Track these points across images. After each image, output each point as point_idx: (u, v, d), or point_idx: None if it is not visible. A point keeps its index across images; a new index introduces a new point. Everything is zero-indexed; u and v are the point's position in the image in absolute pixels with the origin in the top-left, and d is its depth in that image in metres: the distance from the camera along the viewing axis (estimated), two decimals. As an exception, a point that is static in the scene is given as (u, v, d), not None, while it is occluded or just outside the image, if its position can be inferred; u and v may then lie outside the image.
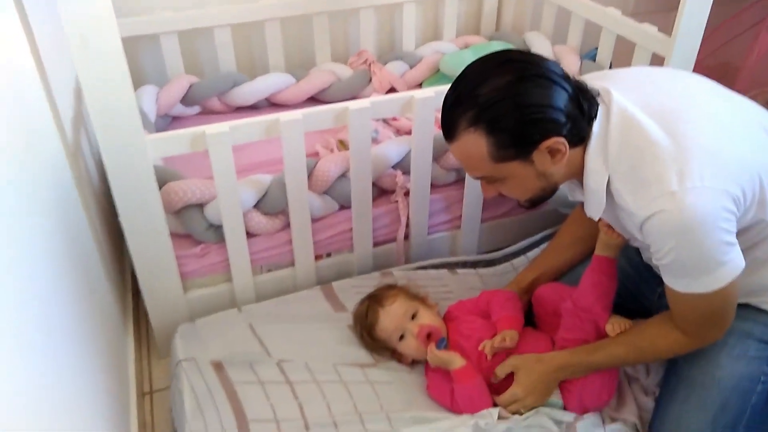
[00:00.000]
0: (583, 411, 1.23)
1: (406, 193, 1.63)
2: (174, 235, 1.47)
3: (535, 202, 1.12)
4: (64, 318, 0.95)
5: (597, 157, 1.02)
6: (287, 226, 1.55)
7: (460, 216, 1.72)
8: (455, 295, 1.55)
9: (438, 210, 1.70)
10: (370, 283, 1.55)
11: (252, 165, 1.68)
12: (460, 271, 1.66)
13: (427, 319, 1.33)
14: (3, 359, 0.64)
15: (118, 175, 1.26)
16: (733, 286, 1.00)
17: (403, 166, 1.63)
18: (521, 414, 1.21)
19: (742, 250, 1.05)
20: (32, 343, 0.76)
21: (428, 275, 1.62)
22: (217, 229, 1.49)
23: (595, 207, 1.06)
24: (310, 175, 1.52)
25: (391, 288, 1.42)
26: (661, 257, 0.99)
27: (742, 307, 1.15)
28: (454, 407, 1.25)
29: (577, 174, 1.06)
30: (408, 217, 1.65)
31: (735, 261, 0.98)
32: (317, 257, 1.63)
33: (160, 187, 1.41)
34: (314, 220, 1.57)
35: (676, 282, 1.01)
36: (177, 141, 1.30)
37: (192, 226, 1.48)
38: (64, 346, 0.91)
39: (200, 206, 1.47)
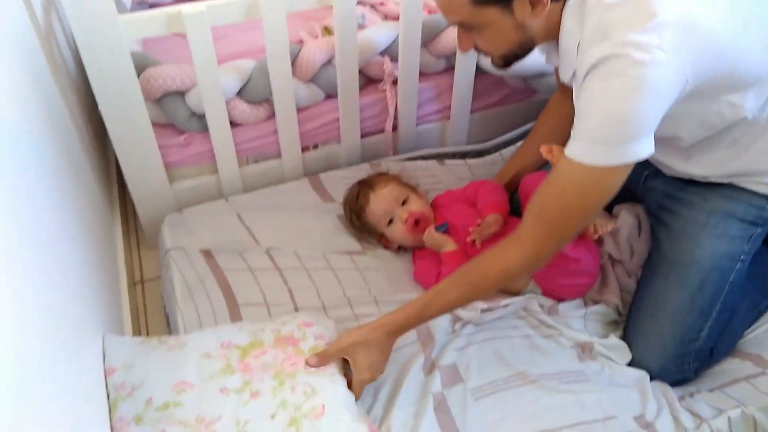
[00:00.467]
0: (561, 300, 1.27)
1: (395, 82, 1.59)
2: (156, 125, 1.44)
3: (508, 60, 1.07)
4: (49, 210, 0.93)
5: (573, 16, 0.98)
6: (272, 115, 1.51)
7: (450, 106, 1.69)
8: (444, 185, 1.55)
9: (427, 99, 1.66)
10: (358, 174, 1.54)
11: (234, 54, 1.61)
12: (449, 161, 1.65)
13: (417, 206, 1.34)
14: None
15: (93, 59, 1.22)
16: (615, 181, 0.94)
17: (390, 52, 1.57)
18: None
19: (717, 133, 1.05)
20: (21, 236, 0.74)
21: (417, 166, 1.61)
22: (200, 118, 1.45)
23: (566, 69, 1.02)
24: (294, 62, 1.47)
25: (383, 174, 1.43)
26: (586, 103, 0.92)
27: (726, 186, 1.16)
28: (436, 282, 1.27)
29: (554, 33, 1.02)
30: (396, 107, 1.62)
31: (642, 148, 0.91)
32: (304, 149, 1.61)
33: (139, 74, 1.36)
34: (300, 110, 1.53)
35: (573, 145, 0.94)
36: (152, 22, 1.24)
37: (174, 114, 1.44)
38: (52, 239, 0.90)
39: (181, 94, 1.43)
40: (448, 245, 1.28)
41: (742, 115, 1.02)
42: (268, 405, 0.97)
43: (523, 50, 1.05)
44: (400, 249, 1.40)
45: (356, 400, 1.03)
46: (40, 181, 0.93)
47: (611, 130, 0.90)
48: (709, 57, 0.91)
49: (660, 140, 0.95)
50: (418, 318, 1.07)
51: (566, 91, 1.29)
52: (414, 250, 1.38)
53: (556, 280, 1.25)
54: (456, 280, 1.07)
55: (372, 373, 1.05)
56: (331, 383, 1.01)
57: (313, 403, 0.97)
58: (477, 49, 1.07)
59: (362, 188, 1.38)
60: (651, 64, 0.85)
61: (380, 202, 1.34)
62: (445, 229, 1.32)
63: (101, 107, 1.30)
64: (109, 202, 1.59)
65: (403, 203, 1.34)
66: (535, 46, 1.05)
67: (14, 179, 0.79)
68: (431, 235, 1.30)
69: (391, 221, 1.34)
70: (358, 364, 1.03)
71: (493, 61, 1.09)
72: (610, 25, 0.89)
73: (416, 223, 1.31)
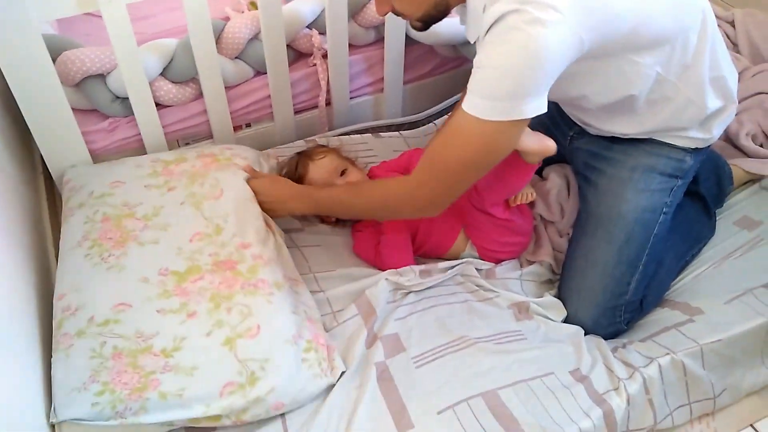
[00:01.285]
0: (497, 261, 1.29)
1: (324, 55, 1.57)
2: (78, 111, 1.39)
3: (426, 22, 1.07)
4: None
5: None
6: (200, 95, 1.48)
7: (383, 78, 1.68)
8: (380, 158, 1.55)
9: (359, 72, 1.65)
10: (293, 152, 1.52)
11: (159, 34, 1.56)
12: (384, 134, 1.65)
13: (355, 177, 1.34)
14: None
15: (2, 43, 1.15)
16: (502, 138, 0.97)
17: (318, 25, 1.55)
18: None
19: (634, 94, 1.07)
20: None
21: (352, 140, 1.60)
22: (124, 102, 1.40)
23: (474, 30, 1.02)
24: (219, 38, 1.43)
25: (322, 146, 1.43)
26: (483, 59, 0.93)
27: (647, 142, 1.19)
28: (378, 262, 1.28)
29: None
30: (328, 82, 1.60)
31: (533, 107, 0.93)
32: (236, 128, 1.58)
33: (55, 58, 1.31)
34: (229, 88, 1.50)
35: (470, 99, 0.95)
36: (62, 1, 1.18)
37: (96, 99, 1.39)
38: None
39: (102, 77, 1.38)
40: None
41: (645, 73, 1.05)
42: (204, 324, 1.02)
43: (438, 11, 1.05)
44: (338, 222, 1.39)
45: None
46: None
47: (503, 85, 0.92)
48: (605, 19, 0.93)
49: (572, 100, 0.97)
50: (327, 201, 1.23)
51: None
52: (353, 224, 1.38)
53: (491, 236, 1.27)
54: (353, 189, 1.21)
55: (268, 199, 1.24)
56: (268, 303, 1.06)
57: (248, 324, 1.02)
58: (395, 12, 1.06)
59: (301, 159, 1.38)
60: (548, 23, 0.86)
61: (319, 172, 1.34)
62: None
63: (16, 95, 1.24)
64: (35, 195, 1.53)
65: (342, 174, 1.34)
66: (451, 7, 1.05)
67: None
68: (355, 175, 1.30)
69: None
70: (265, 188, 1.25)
71: (411, 24, 1.09)
72: None
73: None
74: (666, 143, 1.18)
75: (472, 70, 0.95)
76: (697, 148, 1.20)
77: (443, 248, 1.31)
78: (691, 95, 1.10)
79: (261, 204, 1.24)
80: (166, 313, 1.03)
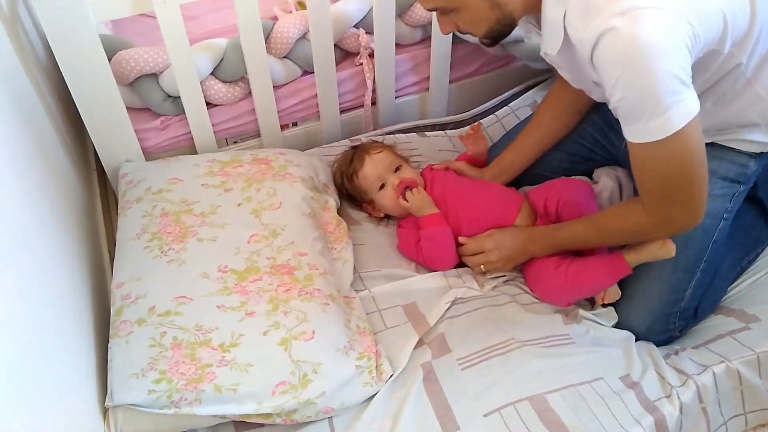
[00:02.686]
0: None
1: (371, 55, 1.57)
2: (132, 110, 1.42)
3: (495, 38, 1.05)
4: (23, 199, 0.92)
5: None
6: (249, 94, 1.50)
7: (428, 77, 1.67)
8: (425, 157, 1.55)
9: (405, 71, 1.65)
10: (339, 151, 1.53)
11: (207, 34, 1.59)
12: (429, 133, 1.64)
13: (409, 175, 1.35)
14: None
15: (60, 44, 1.19)
16: (690, 140, 0.92)
17: (365, 24, 1.55)
18: (482, 270, 1.24)
19: (707, 88, 1.04)
20: None
21: (397, 140, 1.60)
22: (176, 100, 1.43)
23: (552, 42, 1.00)
24: (268, 38, 1.45)
25: (377, 142, 1.45)
26: (612, 93, 0.90)
27: (709, 146, 1.15)
28: (419, 257, 1.28)
29: (535, 5, 1.00)
30: (374, 81, 1.60)
31: (688, 103, 0.89)
32: (283, 127, 1.59)
33: (110, 58, 1.34)
34: (277, 87, 1.51)
35: (628, 130, 0.94)
36: (119, 2, 1.20)
37: (149, 97, 1.42)
38: (26, 232, 0.88)
39: (155, 76, 1.41)
40: (428, 208, 1.28)
41: (726, 68, 1.01)
42: (261, 324, 1.04)
43: (503, 27, 1.02)
44: (385, 219, 1.40)
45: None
46: (10, 173, 0.91)
47: (647, 107, 0.88)
48: (705, 13, 0.89)
49: None
50: (552, 233, 1.19)
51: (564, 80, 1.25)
52: (399, 221, 1.38)
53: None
54: (586, 219, 1.16)
55: (499, 261, 1.22)
56: (323, 312, 1.08)
57: (304, 328, 1.04)
58: (460, 30, 1.05)
59: (357, 152, 1.39)
60: (637, 29, 0.83)
61: (375, 166, 1.34)
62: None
63: (73, 93, 1.27)
64: (89, 190, 1.57)
65: (396, 171, 1.35)
66: (517, 21, 1.02)
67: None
68: (419, 194, 1.29)
69: (382, 186, 1.34)
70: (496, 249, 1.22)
71: (480, 41, 1.07)
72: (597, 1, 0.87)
73: (406, 189, 1.31)
74: (729, 147, 1.14)
75: (610, 101, 0.92)
76: (761, 153, 1.15)
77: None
78: (761, 90, 1.06)
79: (494, 263, 1.23)
80: (226, 310, 1.05)
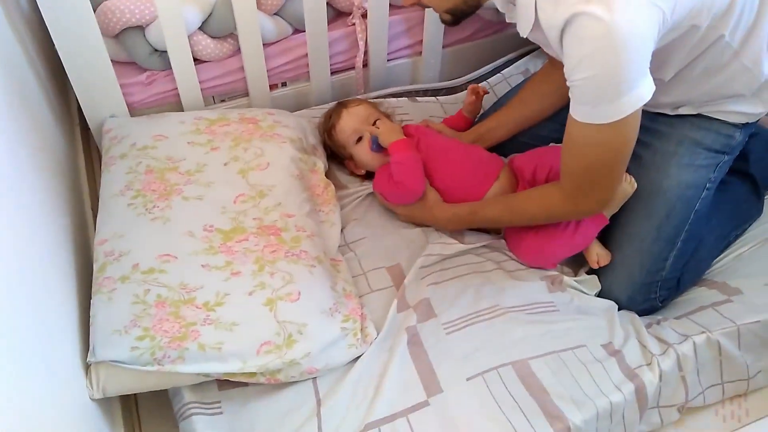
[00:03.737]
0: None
1: (364, 15, 1.54)
2: (117, 63, 1.38)
3: (457, 16, 1.03)
4: (4, 155, 0.89)
5: None
6: (238, 51, 1.46)
7: (422, 41, 1.65)
8: (415, 122, 1.53)
9: (398, 33, 1.62)
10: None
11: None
12: (420, 99, 1.62)
13: (388, 128, 1.32)
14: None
15: (43, -9, 1.15)
16: (629, 130, 0.94)
17: (359, -17, 1.52)
18: None
19: (692, 60, 1.04)
20: None
21: (389, 104, 1.58)
22: (162, 55, 1.40)
23: (524, 23, 0.98)
24: (259, -7, 1.41)
25: (357, 98, 1.45)
26: (574, 70, 0.89)
27: (694, 117, 1.16)
28: (391, 187, 1.26)
29: None
30: (366, 42, 1.57)
31: (642, 91, 0.90)
32: (272, 87, 1.56)
33: (95, 8, 1.30)
34: (267, 45, 1.48)
35: (578, 109, 0.94)
36: (105, -51, 1.17)
37: (134, 51, 1.38)
38: (6, 188, 0.86)
39: (141, 29, 1.37)
40: (399, 135, 1.28)
41: (710, 41, 1.00)
42: (247, 283, 1.04)
43: (468, 6, 1.00)
44: (366, 177, 1.39)
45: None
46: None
47: (605, 91, 0.88)
48: None
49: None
50: (463, 218, 1.23)
51: (555, 61, 1.24)
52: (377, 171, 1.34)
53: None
54: (501, 200, 1.21)
55: (405, 219, 1.28)
56: (309, 274, 1.08)
57: (289, 289, 1.04)
58: (420, 4, 1.02)
59: (335, 108, 1.39)
60: (613, 16, 0.82)
61: (351, 119, 1.34)
62: (376, 140, 1.30)
63: (57, 44, 1.24)
64: (72, 145, 1.54)
65: (374, 124, 1.34)
66: (483, 2, 1.00)
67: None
68: (387, 123, 1.31)
69: (359, 140, 1.33)
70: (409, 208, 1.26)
71: (441, 18, 1.04)
72: None
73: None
74: (713, 118, 1.14)
75: (567, 80, 0.92)
76: (747, 123, 1.16)
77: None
78: (747, 62, 1.05)
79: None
80: (211, 269, 1.04)
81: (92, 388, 0.93)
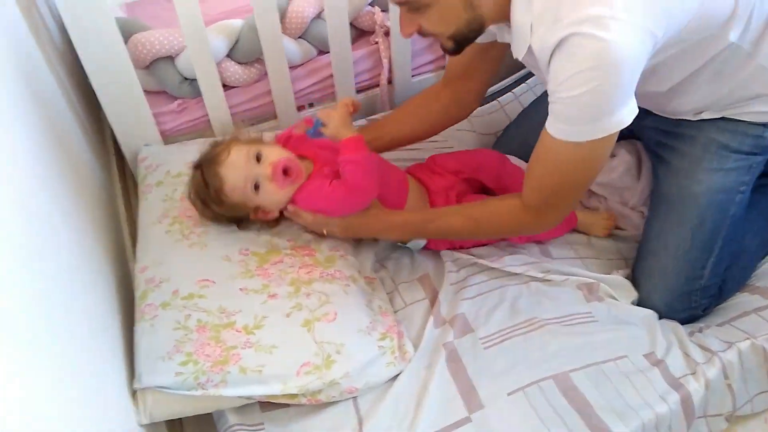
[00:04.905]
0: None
1: (387, 33, 1.55)
2: (149, 93, 1.42)
3: (459, 43, 1.01)
4: (46, 191, 0.91)
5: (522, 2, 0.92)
6: (265, 75, 1.49)
7: (445, 56, 1.65)
8: (443, 137, 1.52)
9: (421, 49, 1.63)
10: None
11: (222, 15, 1.58)
12: (446, 113, 1.62)
13: (275, 155, 1.12)
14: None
15: (77, 27, 1.19)
16: (604, 149, 0.94)
17: (380, 2, 1.54)
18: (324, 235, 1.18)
19: (699, 68, 1.03)
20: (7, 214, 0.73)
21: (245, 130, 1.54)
22: (192, 83, 1.43)
23: (520, 46, 0.97)
24: (283, 18, 1.44)
25: (217, 144, 1.16)
26: (561, 87, 0.87)
27: (719, 120, 1.13)
28: (342, 193, 1.11)
29: (505, 13, 0.96)
30: (390, 60, 1.59)
31: (623, 114, 0.89)
32: (299, 108, 1.58)
33: (126, 41, 1.33)
34: (292, 68, 1.50)
35: (557, 127, 0.92)
36: (134, -16, 1.20)
37: (165, 80, 1.42)
38: (43, 214, 0.88)
39: (171, 58, 1.40)
40: (350, 130, 1.12)
41: (718, 47, 0.99)
42: (284, 305, 1.05)
43: (471, 31, 0.98)
44: (282, 217, 1.19)
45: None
46: (31, 161, 0.91)
47: (588, 111, 0.88)
48: (667, 6, 0.87)
49: (641, 93, 0.92)
50: (417, 226, 1.17)
51: (449, 78, 1.27)
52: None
53: None
54: (462, 210, 1.15)
55: (344, 235, 1.18)
56: (344, 294, 1.09)
57: (326, 309, 1.05)
58: (421, 33, 0.99)
59: (205, 169, 1.11)
60: (610, 37, 0.81)
61: (235, 171, 1.09)
62: (319, 125, 1.13)
63: (90, 77, 1.27)
64: (109, 175, 1.58)
65: (258, 160, 1.11)
66: (486, 26, 0.99)
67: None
68: (333, 113, 1.12)
69: (257, 186, 1.11)
70: (344, 223, 1.16)
71: (442, 46, 1.02)
72: (561, 1, 0.85)
73: (285, 172, 1.12)
74: (739, 120, 1.12)
75: (549, 96, 0.91)
76: None
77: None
78: (764, 61, 1.03)
79: (335, 234, 1.17)
80: (249, 292, 1.06)
81: (140, 413, 0.95)
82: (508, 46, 1.04)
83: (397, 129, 1.31)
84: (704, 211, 1.13)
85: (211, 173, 1.10)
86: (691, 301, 1.15)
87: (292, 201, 1.15)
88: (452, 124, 1.34)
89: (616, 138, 0.93)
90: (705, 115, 1.14)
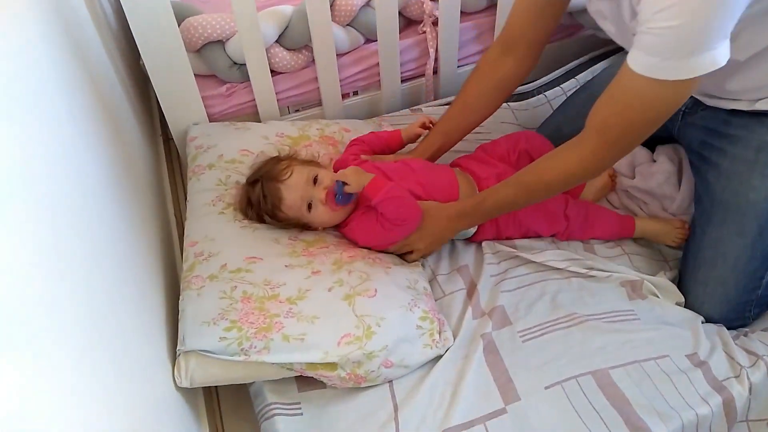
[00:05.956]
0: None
1: (435, 22, 1.55)
2: (198, 76, 1.44)
3: None
4: (92, 164, 0.94)
5: None
6: (312, 62, 1.50)
7: (492, 47, 1.64)
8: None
9: (468, 40, 1.62)
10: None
11: (272, 1, 1.60)
12: (491, 105, 1.61)
13: (329, 180, 1.19)
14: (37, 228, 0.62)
15: (134, 11, 1.22)
16: (686, 91, 0.87)
17: (430, -9, 1.53)
18: (415, 259, 1.21)
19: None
20: (62, 190, 0.75)
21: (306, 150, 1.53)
22: (242, 68, 1.45)
23: None
24: (332, 5, 1.45)
25: (279, 160, 1.23)
26: (657, 17, 0.80)
27: (757, 115, 1.09)
28: (386, 229, 1.17)
29: None
30: (437, 49, 1.58)
31: (718, 53, 0.82)
32: (344, 96, 1.60)
33: (179, 24, 1.36)
34: (340, 55, 1.51)
35: (643, 61, 0.86)
36: (190, -31, 1.22)
37: (215, 64, 1.44)
38: (94, 195, 0.90)
39: (221, 43, 1.43)
40: (365, 177, 1.16)
41: None
42: (326, 280, 1.08)
43: None
44: (326, 229, 1.25)
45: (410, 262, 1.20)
46: (80, 136, 0.93)
47: (683, 43, 0.81)
48: None
49: None
50: (474, 209, 1.15)
51: (508, 45, 1.20)
52: (343, 225, 1.24)
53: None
54: (511, 181, 1.11)
55: (426, 245, 1.19)
56: (386, 274, 1.12)
57: (366, 286, 1.07)
58: None
59: (266, 184, 1.17)
60: None
61: (293, 191, 1.16)
62: (341, 188, 1.16)
63: (145, 59, 1.30)
64: (156, 156, 1.62)
65: (315, 182, 1.18)
66: None
67: (55, 134, 0.79)
68: (351, 171, 1.16)
69: (309, 206, 1.17)
70: (417, 236, 1.18)
71: None
72: None
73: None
74: None
75: (638, 24, 0.85)
76: None
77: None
78: None
79: (422, 251, 1.20)
80: (294, 267, 1.09)
81: (180, 376, 0.97)
82: (566, 3, 1.00)
83: (464, 118, 1.30)
84: (764, 220, 1.08)
85: (272, 189, 1.17)
86: (746, 311, 1.13)
87: (342, 226, 1.23)
88: (515, 90, 1.30)
89: (698, 83, 0.86)
90: (761, 105, 1.08)
